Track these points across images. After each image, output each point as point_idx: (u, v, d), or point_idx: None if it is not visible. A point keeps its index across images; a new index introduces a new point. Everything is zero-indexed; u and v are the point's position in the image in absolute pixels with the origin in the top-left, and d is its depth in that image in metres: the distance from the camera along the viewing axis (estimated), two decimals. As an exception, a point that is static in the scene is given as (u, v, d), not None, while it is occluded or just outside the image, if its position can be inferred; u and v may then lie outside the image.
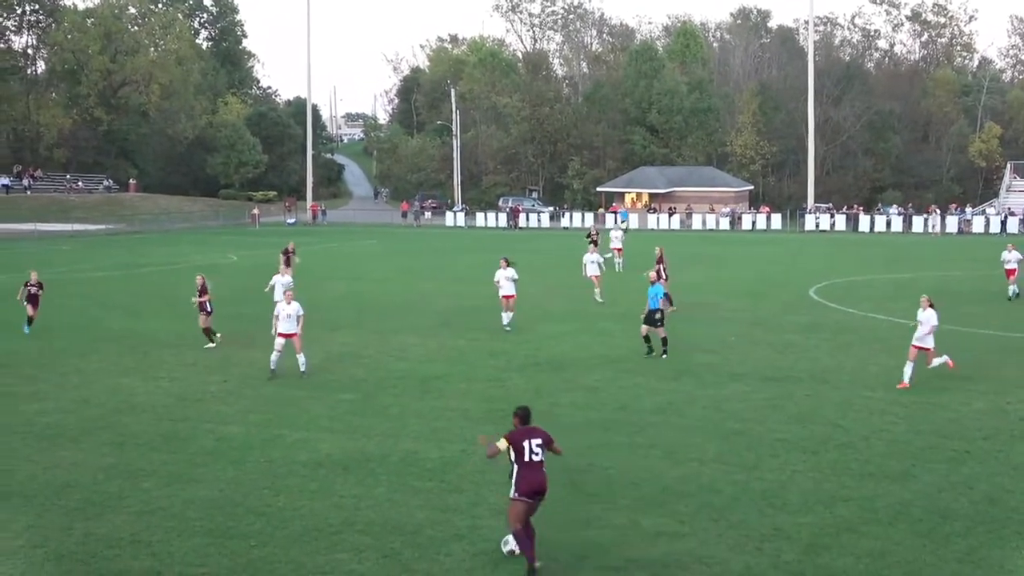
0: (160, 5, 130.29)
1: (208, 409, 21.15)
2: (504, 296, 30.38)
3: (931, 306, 22.39)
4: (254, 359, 25.47)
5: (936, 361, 22.62)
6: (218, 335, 28.40)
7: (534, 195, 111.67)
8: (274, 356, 24.04)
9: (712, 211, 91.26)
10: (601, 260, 38.10)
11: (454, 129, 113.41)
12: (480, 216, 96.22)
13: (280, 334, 23.98)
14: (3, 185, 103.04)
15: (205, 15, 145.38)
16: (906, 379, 22.28)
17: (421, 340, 29.26)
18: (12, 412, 20.82)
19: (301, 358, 24.09)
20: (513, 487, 12.61)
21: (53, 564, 13.01)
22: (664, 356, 25.83)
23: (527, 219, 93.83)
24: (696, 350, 27.29)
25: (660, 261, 36.15)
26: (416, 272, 49.89)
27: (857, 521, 14.28)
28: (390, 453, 17.57)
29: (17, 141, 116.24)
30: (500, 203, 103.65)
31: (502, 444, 12.68)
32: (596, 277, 36.90)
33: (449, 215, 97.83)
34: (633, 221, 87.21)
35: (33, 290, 30.94)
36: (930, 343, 22.48)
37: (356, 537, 13.79)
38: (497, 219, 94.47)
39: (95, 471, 16.78)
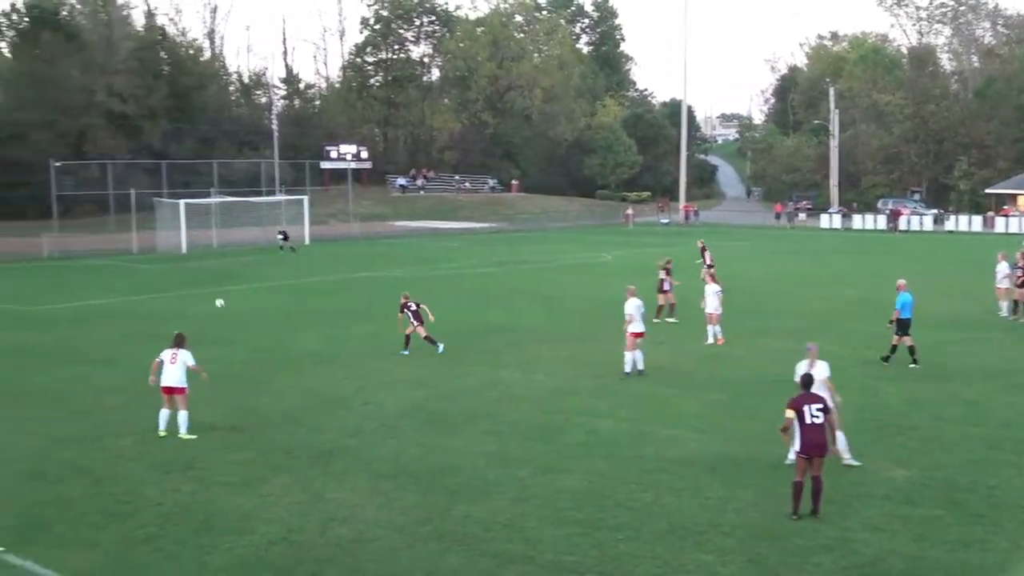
0: (544, 12, 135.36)
1: (581, 403, 21.80)
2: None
3: None
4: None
5: None
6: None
7: (916, 196, 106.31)
8: (627, 356, 24.38)
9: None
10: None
11: (832, 128, 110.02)
12: (857, 218, 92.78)
13: (631, 334, 24.33)
14: (400, 185, 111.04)
15: (586, 20, 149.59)
16: None
17: (792, 344, 28.62)
18: (402, 398, 22.40)
19: (638, 355, 24.36)
20: (796, 445, 14.34)
21: (435, 542, 13.83)
22: (914, 366, 24.80)
23: (908, 222, 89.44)
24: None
25: None
26: (789, 274, 48.93)
27: None
28: (759, 456, 17.38)
29: (414, 144, 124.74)
30: (879, 205, 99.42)
31: (789, 413, 14.35)
32: (1005, 290, 33.36)
33: (824, 217, 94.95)
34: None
35: (413, 307, 27.70)
36: None
37: (721, 539, 13.78)
38: (875, 221, 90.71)
39: (475, 457, 17.72)
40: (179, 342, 19.38)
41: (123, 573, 12.81)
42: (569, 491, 15.78)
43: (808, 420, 14.26)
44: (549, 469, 16.93)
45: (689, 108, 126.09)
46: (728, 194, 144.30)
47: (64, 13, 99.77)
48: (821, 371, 16.78)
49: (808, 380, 14.92)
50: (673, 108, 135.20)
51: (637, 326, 24.36)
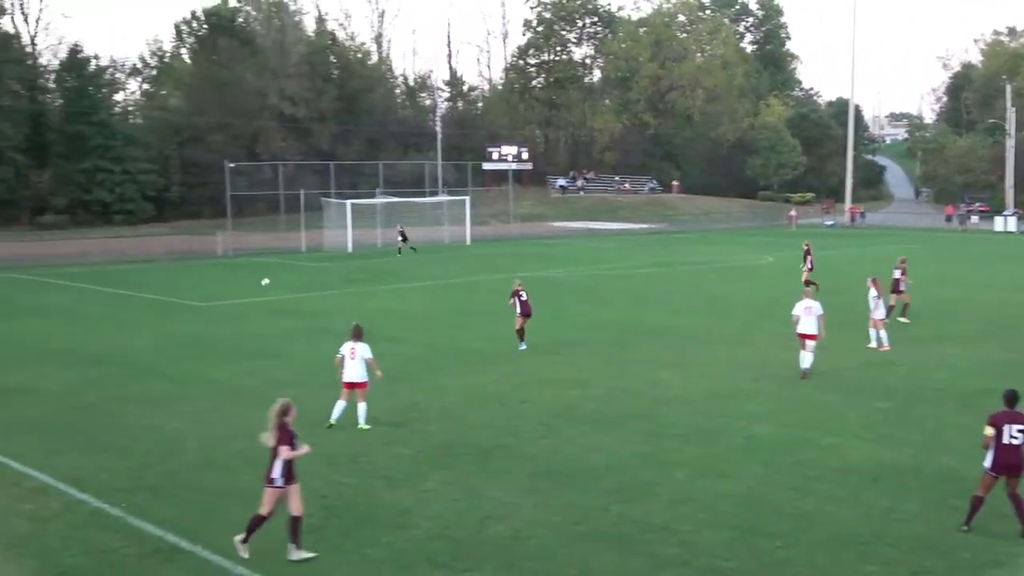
0: (707, 12, 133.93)
1: (739, 406, 21.52)
2: None
3: None
4: (789, 360, 25.22)
5: None
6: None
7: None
8: (801, 354, 24.20)
9: None
10: None
11: (1008, 128, 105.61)
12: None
13: (797, 334, 24.18)
14: (560, 186, 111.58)
15: (750, 19, 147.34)
16: None
17: (963, 350, 27.73)
18: (559, 397, 22.50)
19: (807, 357, 24.08)
20: (988, 462, 13.74)
21: (590, 542, 13.83)
22: None
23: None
24: None
25: None
26: (959, 279, 47.24)
27: None
28: (924, 466, 16.88)
29: (574, 145, 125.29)
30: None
31: (988, 431, 13.71)
32: None
33: (998, 219, 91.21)
34: None
35: (523, 297, 28.31)
36: None
37: (885, 550, 13.42)
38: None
39: (631, 457, 17.69)
40: (356, 335, 19.68)
41: (289, 562, 13.23)
42: (727, 495, 15.61)
43: (1006, 439, 13.63)
44: (707, 472, 16.79)
45: (856, 107, 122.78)
46: (896, 195, 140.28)
47: (240, 20, 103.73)
48: None
49: (1013, 397, 14.03)
50: (840, 107, 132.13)
51: (803, 327, 24.12)
